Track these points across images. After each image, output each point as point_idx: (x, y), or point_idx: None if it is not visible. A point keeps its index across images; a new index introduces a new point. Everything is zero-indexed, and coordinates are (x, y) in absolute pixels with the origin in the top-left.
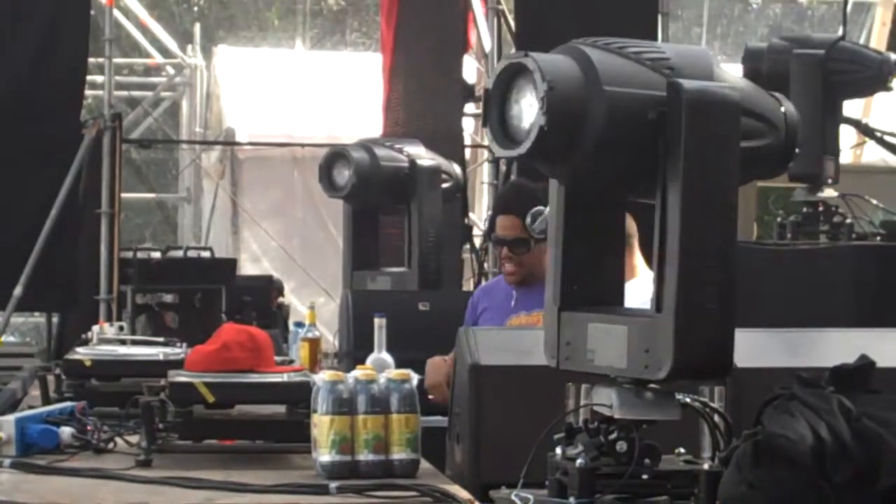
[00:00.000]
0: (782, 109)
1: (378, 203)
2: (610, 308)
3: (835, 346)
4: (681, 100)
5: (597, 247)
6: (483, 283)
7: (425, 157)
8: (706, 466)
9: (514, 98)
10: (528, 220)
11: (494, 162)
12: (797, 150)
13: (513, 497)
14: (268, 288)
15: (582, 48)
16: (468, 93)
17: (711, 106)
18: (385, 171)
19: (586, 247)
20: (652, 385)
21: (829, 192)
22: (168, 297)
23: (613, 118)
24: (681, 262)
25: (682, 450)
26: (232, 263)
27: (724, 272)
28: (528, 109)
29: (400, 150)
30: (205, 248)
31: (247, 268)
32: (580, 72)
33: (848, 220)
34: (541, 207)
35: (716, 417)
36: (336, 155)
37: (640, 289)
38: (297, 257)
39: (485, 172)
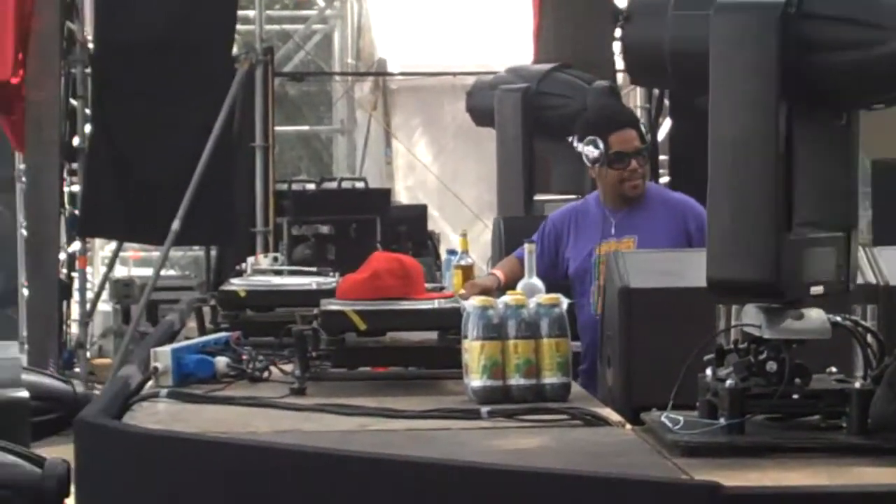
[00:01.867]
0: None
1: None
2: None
3: None
4: None
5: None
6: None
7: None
8: (857, 385)
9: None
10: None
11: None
12: None
13: (663, 419)
14: (422, 217)
15: None
16: (619, 18)
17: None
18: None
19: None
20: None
21: None
22: (324, 229)
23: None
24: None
25: (833, 369)
26: (386, 193)
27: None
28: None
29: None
30: (359, 179)
31: (401, 197)
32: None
33: None
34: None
35: (868, 336)
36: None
37: None
38: (451, 186)
39: (637, 96)
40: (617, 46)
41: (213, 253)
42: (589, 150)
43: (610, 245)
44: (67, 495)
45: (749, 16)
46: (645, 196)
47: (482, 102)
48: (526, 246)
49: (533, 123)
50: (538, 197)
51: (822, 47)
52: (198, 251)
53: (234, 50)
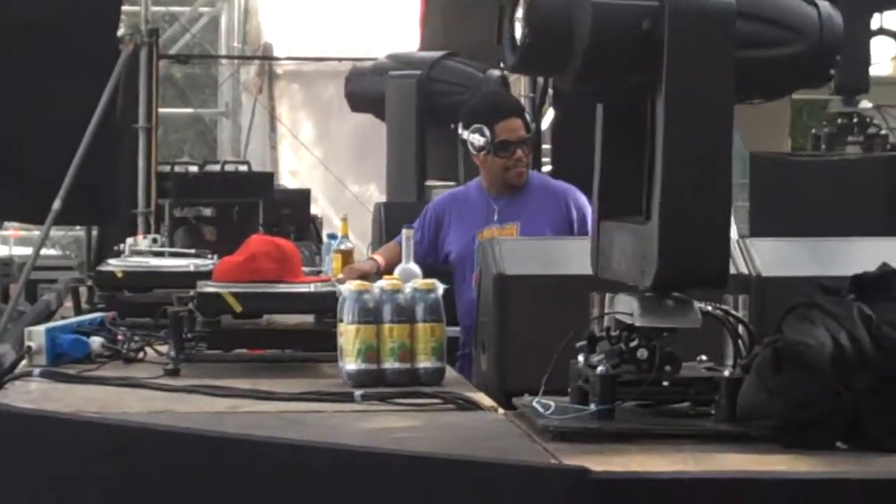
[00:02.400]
0: (816, 14)
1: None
2: (630, 217)
3: (859, 256)
4: (666, 8)
5: (633, 157)
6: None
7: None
8: (727, 373)
9: (516, 13)
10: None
11: (532, 77)
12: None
13: (535, 404)
14: (305, 201)
15: None
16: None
17: (700, 16)
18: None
19: (623, 157)
20: (675, 294)
21: (864, 104)
22: (206, 211)
23: (601, 29)
24: (664, 171)
25: (703, 357)
26: (269, 177)
27: (710, 181)
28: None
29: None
30: (242, 163)
31: (285, 182)
32: None
33: (882, 132)
34: None
35: (738, 326)
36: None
37: None
38: (335, 171)
39: (523, 85)
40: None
41: (95, 233)
42: (475, 138)
43: (492, 231)
44: None
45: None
46: (528, 184)
47: (361, 88)
48: (403, 231)
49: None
50: (428, 183)
51: (750, 44)
52: (79, 231)
53: (120, 31)
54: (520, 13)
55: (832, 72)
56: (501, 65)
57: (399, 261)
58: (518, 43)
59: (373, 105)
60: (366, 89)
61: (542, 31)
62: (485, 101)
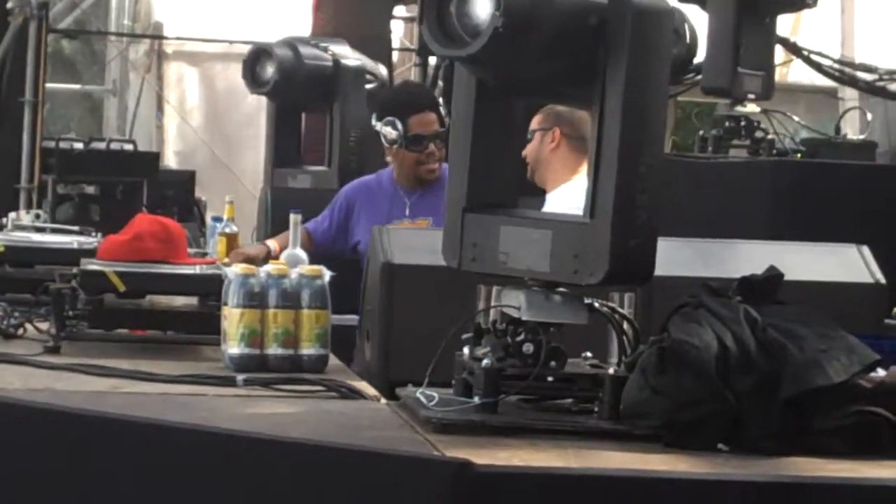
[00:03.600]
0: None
1: (301, 101)
2: (527, 211)
3: (745, 258)
4: (626, 6)
5: (506, 147)
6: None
7: (351, 56)
8: (611, 371)
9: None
10: (443, 112)
11: (422, 65)
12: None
13: (418, 394)
14: (190, 183)
15: None
16: None
17: (655, 15)
18: (308, 69)
19: (496, 146)
20: (560, 289)
21: (751, 108)
22: (90, 189)
23: (561, 23)
24: (619, 170)
25: (588, 354)
26: (154, 157)
27: (656, 181)
28: (481, 8)
29: (325, 49)
30: (128, 141)
31: (170, 163)
32: None
33: (769, 136)
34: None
35: (624, 324)
36: (260, 51)
37: (570, 193)
38: (221, 154)
39: (412, 76)
40: (395, 24)
41: None
42: (387, 131)
43: (403, 225)
44: None
45: None
46: (441, 178)
47: (256, 70)
48: (291, 216)
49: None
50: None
51: None
52: None
53: (9, 3)
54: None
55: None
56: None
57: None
58: (481, 28)
59: (265, 88)
60: (258, 72)
61: (515, 19)
62: (398, 94)
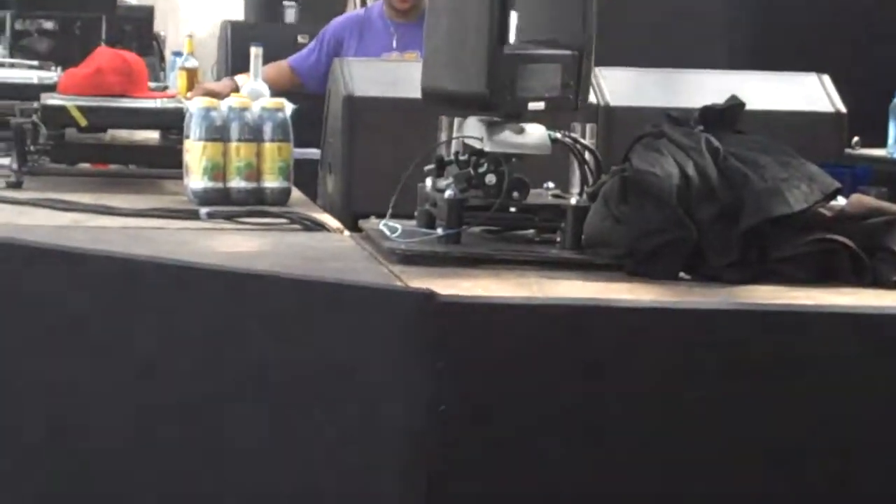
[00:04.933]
0: None
1: None
2: None
3: (707, 87)
4: None
5: None
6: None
7: None
8: (573, 201)
9: None
10: None
11: None
12: None
13: (381, 226)
14: (149, 18)
15: None
16: None
17: None
18: None
19: None
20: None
21: None
22: (47, 24)
23: None
24: None
25: (551, 184)
26: None
27: None
28: None
29: None
30: None
31: None
32: None
33: None
34: None
35: (586, 154)
36: None
37: None
38: None
39: None
40: None
41: None
42: None
43: (392, 58)
44: None
45: None
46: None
47: None
48: (252, 50)
49: None
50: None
51: None
52: None
53: None
54: None
55: None
56: None
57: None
58: None
59: None
60: None
61: None
62: None
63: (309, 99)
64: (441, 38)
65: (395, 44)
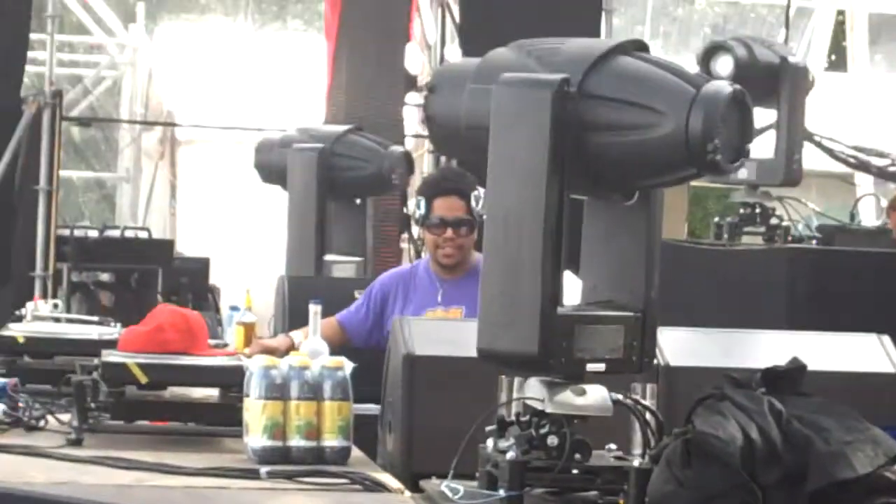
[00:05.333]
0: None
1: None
2: None
3: (767, 348)
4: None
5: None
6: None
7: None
8: (636, 463)
9: None
10: (473, 202)
11: (434, 153)
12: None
13: (443, 487)
14: (204, 270)
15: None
16: (411, 83)
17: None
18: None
19: None
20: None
21: (766, 195)
22: (104, 276)
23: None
24: None
25: (613, 446)
26: (169, 244)
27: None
28: None
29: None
30: (142, 229)
31: (184, 250)
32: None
33: (784, 223)
34: (481, 189)
35: (647, 415)
36: (271, 143)
37: None
38: (235, 241)
39: (425, 162)
40: (407, 111)
41: None
42: (413, 210)
43: (436, 313)
44: None
45: (526, 92)
46: (474, 266)
47: (270, 159)
48: (311, 307)
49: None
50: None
51: (599, 127)
52: None
53: (22, 91)
54: None
55: (713, 158)
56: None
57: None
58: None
59: (278, 177)
60: (273, 161)
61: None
62: (432, 175)
63: (364, 354)
64: (494, 298)
65: (440, 298)
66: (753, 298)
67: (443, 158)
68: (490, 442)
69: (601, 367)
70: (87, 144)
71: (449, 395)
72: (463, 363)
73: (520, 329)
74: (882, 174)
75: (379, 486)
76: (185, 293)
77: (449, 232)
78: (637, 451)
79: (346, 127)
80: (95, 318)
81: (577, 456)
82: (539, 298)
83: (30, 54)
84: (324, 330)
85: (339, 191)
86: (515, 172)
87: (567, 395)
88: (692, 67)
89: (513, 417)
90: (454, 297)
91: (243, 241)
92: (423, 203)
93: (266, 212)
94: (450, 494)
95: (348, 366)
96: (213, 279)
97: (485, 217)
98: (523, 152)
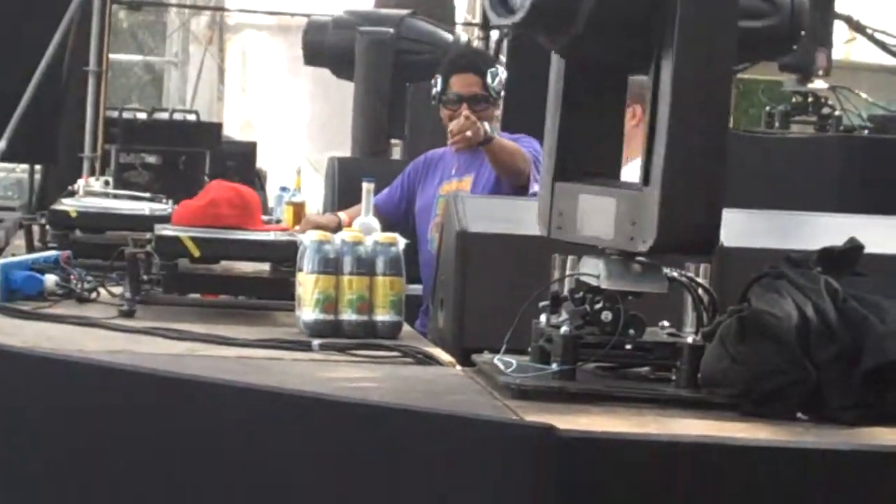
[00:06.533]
0: None
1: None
2: (603, 180)
3: (822, 230)
4: None
5: (594, 120)
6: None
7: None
8: (689, 340)
9: None
10: (489, 78)
11: (485, 39)
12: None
13: (496, 361)
14: (251, 154)
15: None
16: None
17: None
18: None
19: (583, 119)
20: (640, 258)
21: (818, 84)
22: (152, 159)
23: None
24: (669, 137)
25: (665, 323)
26: (217, 128)
27: (712, 149)
28: None
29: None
30: (191, 112)
31: (232, 134)
32: None
33: (836, 112)
34: (500, 67)
35: (702, 293)
36: (318, 24)
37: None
38: (282, 124)
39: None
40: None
41: (38, 176)
42: (433, 89)
43: (451, 185)
44: None
45: None
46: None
47: (321, 40)
48: (364, 185)
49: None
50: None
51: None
52: (20, 173)
53: None
54: None
55: (794, 47)
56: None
57: None
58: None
59: (332, 59)
60: (326, 43)
61: None
62: (450, 54)
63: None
64: None
65: (454, 171)
66: (804, 186)
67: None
68: (543, 318)
69: None
70: (136, 28)
71: (502, 272)
72: (515, 240)
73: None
74: None
75: (430, 360)
76: (232, 177)
77: (464, 107)
78: (690, 328)
79: (405, 11)
80: (147, 195)
81: (631, 332)
82: None
83: None
84: (355, 212)
85: (404, 75)
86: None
87: (622, 272)
88: None
89: (566, 294)
90: (467, 167)
91: (289, 125)
92: (439, 81)
93: (311, 97)
94: (502, 367)
95: (401, 242)
96: (260, 164)
97: (501, 94)
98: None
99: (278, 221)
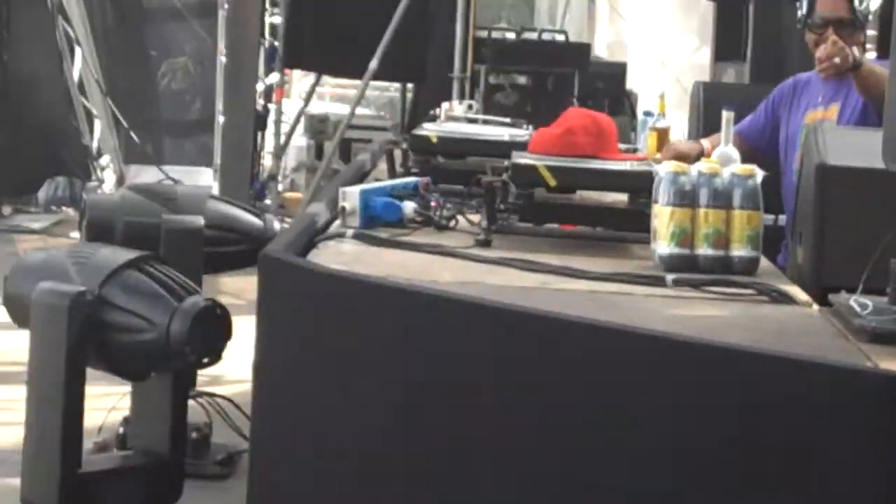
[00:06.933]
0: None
1: None
2: None
3: None
4: None
5: None
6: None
7: None
8: None
9: None
10: (857, 0)
11: None
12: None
13: (852, 302)
14: (621, 75)
15: None
16: None
17: None
18: None
19: None
20: None
21: None
22: (521, 79)
23: None
24: None
25: None
26: (586, 48)
27: None
28: None
29: None
30: (560, 32)
31: (601, 54)
32: None
33: None
34: None
35: None
36: None
37: None
38: (653, 45)
39: None
40: None
41: (409, 95)
42: (799, 11)
43: (816, 113)
44: None
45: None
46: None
47: None
48: (724, 114)
49: None
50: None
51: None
52: (393, 93)
53: None
54: None
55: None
56: None
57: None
58: None
59: None
60: None
61: None
62: None
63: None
64: None
65: (820, 99)
66: None
67: None
68: None
69: None
70: None
71: (864, 208)
72: (880, 175)
73: None
74: None
75: (786, 298)
76: (601, 98)
77: (829, 31)
78: None
79: None
80: (507, 120)
81: None
82: None
83: None
84: (717, 140)
85: None
86: None
87: None
88: None
89: None
90: (834, 94)
91: (661, 47)
92: (805, 2)
93: (681, 14)
94: (857, 309)
95: (759, 174)
96: (630, 85)
97: (869, 18)
98: None
99: (636, 150)
